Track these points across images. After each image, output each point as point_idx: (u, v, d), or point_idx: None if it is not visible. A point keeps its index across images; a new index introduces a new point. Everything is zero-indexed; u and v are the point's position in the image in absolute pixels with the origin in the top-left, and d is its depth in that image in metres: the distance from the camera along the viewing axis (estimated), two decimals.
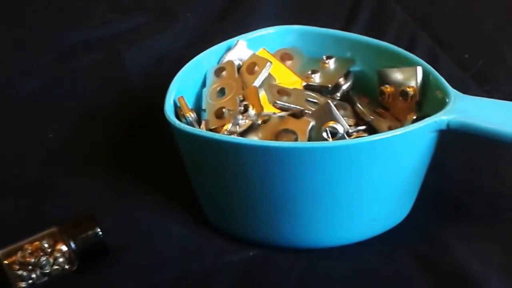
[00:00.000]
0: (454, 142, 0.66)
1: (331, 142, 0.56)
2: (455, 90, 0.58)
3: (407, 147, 0.55)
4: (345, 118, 0.61)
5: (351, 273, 0.56)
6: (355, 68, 0.67)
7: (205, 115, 0.62)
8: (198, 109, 0.64)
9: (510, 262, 0.56)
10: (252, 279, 0.56)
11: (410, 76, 0.61)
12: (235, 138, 0.56)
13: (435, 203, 0.62)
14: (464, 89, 0.59)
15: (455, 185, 0.64)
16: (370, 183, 0.55)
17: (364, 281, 0.55)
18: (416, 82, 0.61)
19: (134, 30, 0.89)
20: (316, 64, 0.67)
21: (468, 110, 0.56)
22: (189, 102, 0.63)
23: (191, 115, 0.60)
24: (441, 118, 0.55)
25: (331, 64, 0.67)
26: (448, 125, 0.55)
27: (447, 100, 0.57)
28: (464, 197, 0.63)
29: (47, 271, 0.54)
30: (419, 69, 0.61)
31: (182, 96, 0.61)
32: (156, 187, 0.65)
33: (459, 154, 0.68)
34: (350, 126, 0.62)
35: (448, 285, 0.54)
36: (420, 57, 0.63)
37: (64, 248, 0.55)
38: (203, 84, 0.65)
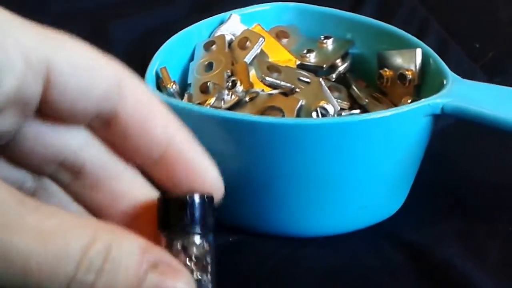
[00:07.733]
0: (456, 132, 0.67)
1: (313, 119, 0.56)
2: (454, 74, 0.58)
3: (398, 130, 0.55)
4: (338, 100, 0.61)
5: (336, 262, 0.56)
6: (354, 51, 0.68)
7: (190, 89, 0.62)
8: (184, 84, 0.64)
9: (507, 262, 0.56)
10: (229, 263, 0.56)
11: (410, 59, 0.62)
12: (211, 110, 0.56)
13: (431, 196, 0.62)
14: (474, 80, 0.59)
15: (454, 178, 0.65)
16: (358, 167, 0.55)
17: (349, 271, 0.56)
18: (415, 65, 0.61)
19: (123, 4, 0.90)
20: (313, 44, 0.68)
21: (466, 94, 0.55)
22: (175, 76, 0.64)
23: (173, 87, 0.61)
24: (435, 101, 0.55)
25: (329, 44, 0.67)
26: (442, 109, 0.54)
27: (444, 84, 0.57)
28: (463, 190, 0.63)
29: None
30: (419, 51, 0.61)
31: (164, 67, 0.62)
32: None
33: (461, 146, 0.68)
34: (344, 109, 0.62)
35: (437, 281, 0.54)
36: (429, 45, 0.63)
37: None
38: (192, 59, 0.66)
